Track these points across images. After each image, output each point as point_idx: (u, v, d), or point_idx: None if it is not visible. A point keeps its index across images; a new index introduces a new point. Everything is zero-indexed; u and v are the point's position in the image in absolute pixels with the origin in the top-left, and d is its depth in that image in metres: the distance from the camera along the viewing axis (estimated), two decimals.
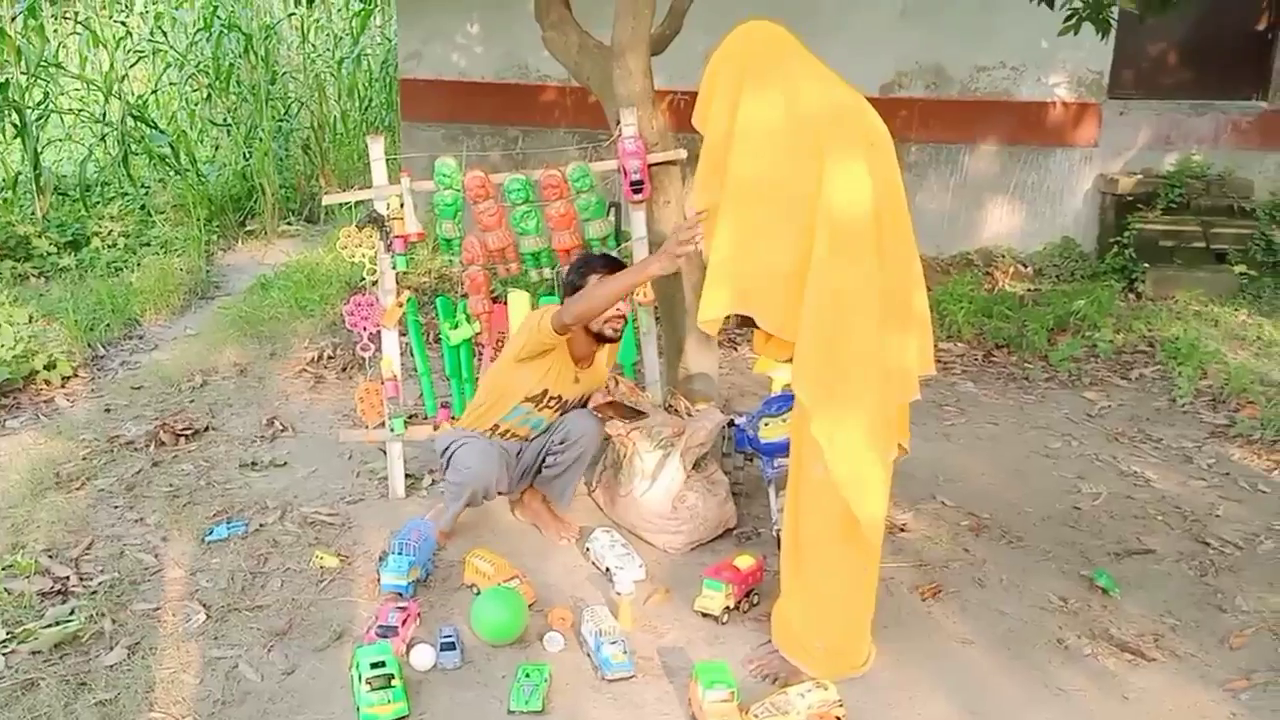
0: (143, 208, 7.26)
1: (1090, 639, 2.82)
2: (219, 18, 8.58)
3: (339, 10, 10.32)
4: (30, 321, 4.99)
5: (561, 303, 3.14)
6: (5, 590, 2.91)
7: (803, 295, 2.31)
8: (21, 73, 7.14)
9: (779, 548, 2.89)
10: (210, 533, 3.29)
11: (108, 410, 4.35)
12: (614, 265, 3.10)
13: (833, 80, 2.43)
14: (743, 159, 2.37)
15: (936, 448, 4.09)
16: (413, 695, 2.47)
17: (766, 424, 3.26)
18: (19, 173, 7.26)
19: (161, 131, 7.93)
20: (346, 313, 3.59)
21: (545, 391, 3.15)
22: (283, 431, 4.14)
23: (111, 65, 8.51)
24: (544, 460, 3.27)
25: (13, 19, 7.27)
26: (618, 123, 3.54)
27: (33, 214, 6.80)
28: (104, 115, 7.97)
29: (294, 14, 9.36)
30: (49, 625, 2.74)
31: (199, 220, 6.99)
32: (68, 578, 3.00)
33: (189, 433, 4.06)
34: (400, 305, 3.56)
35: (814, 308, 2.30)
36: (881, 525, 2.46)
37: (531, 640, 2.74)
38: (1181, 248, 6.22)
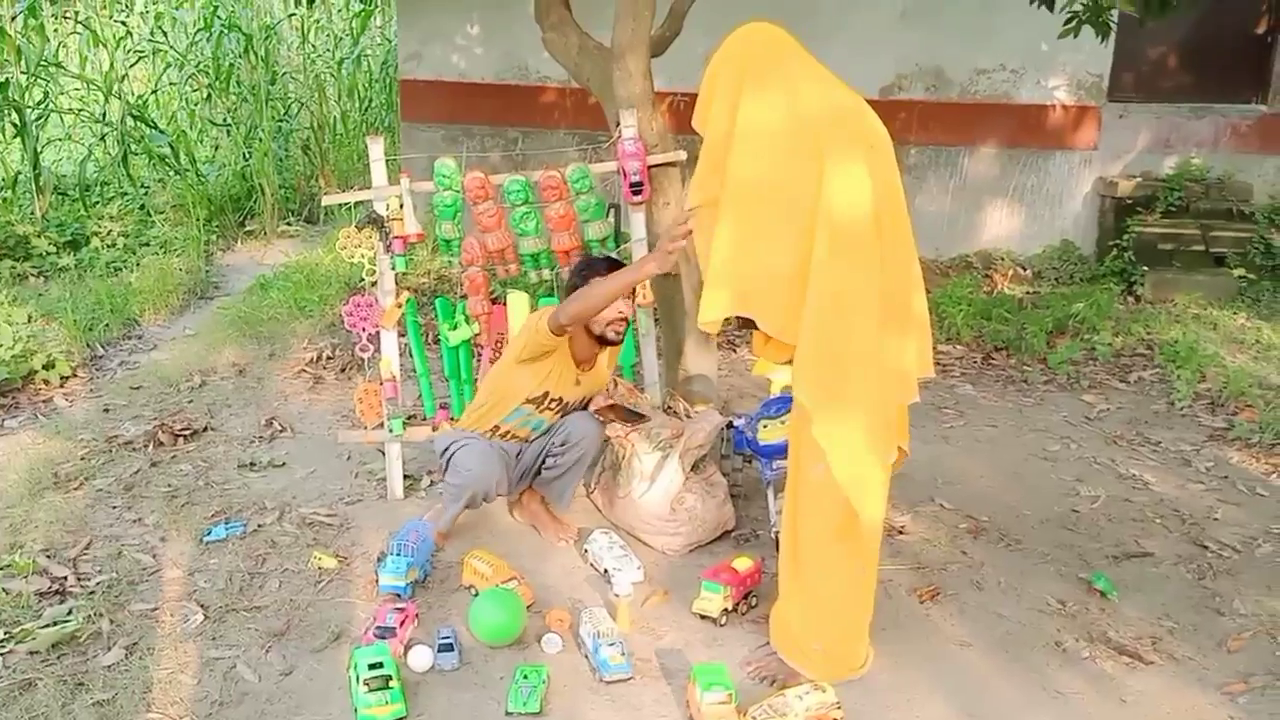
0: (142, 208, 7.27)
1: (1088, 642, 2.82)
2: (219, 18, 8.59)
3: (339, 11, 10.32)
4: (29, 321, 4.98)
5: None
6: (3, 590, 2.91)
7: (803, 297, 2.31)
8: (21, 72, 7.15)
9: (777, 550, 2.89)
10: (208, 533, 3.29)
11: (106, 410, 4.34)
12: (615, 267, 3.09)
13: (832, 82, 2.43)
14: (743, 161, 2.37)
15: (935, 450, 4.10)
16: (410, 696, 2.47)
17: (765, 426, 3.25)
18: (19, 172, 7.26)
19: (161, 131, 7.93)
20: (345, 313, 3.59)
21: (546, 394, 3.15)
22: (281, 432, 4.14)
23: (111, 65, 8.52)
24: (544, 462, 3.26)
25: (13, 18, 7.27)
26: (617, 124, 3.54)
27: (32, 213, 6.80)
28: (104, 115, 7.97)
29: (294, 14, 9.37)
30: (47, 625, 2.74)
31: (198, 220, 6.99)
32: (65, 578, 3.00)
33: (187, 433, 4.06)
34: (399, 306, 3.56)
35: (815, 310, 2.30)
36: (880, 527, 2.46)
37: (529, 641, 2.74)
38: (1181, 251, 6.23)
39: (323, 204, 4.14)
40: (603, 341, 3.14)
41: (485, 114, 6.81)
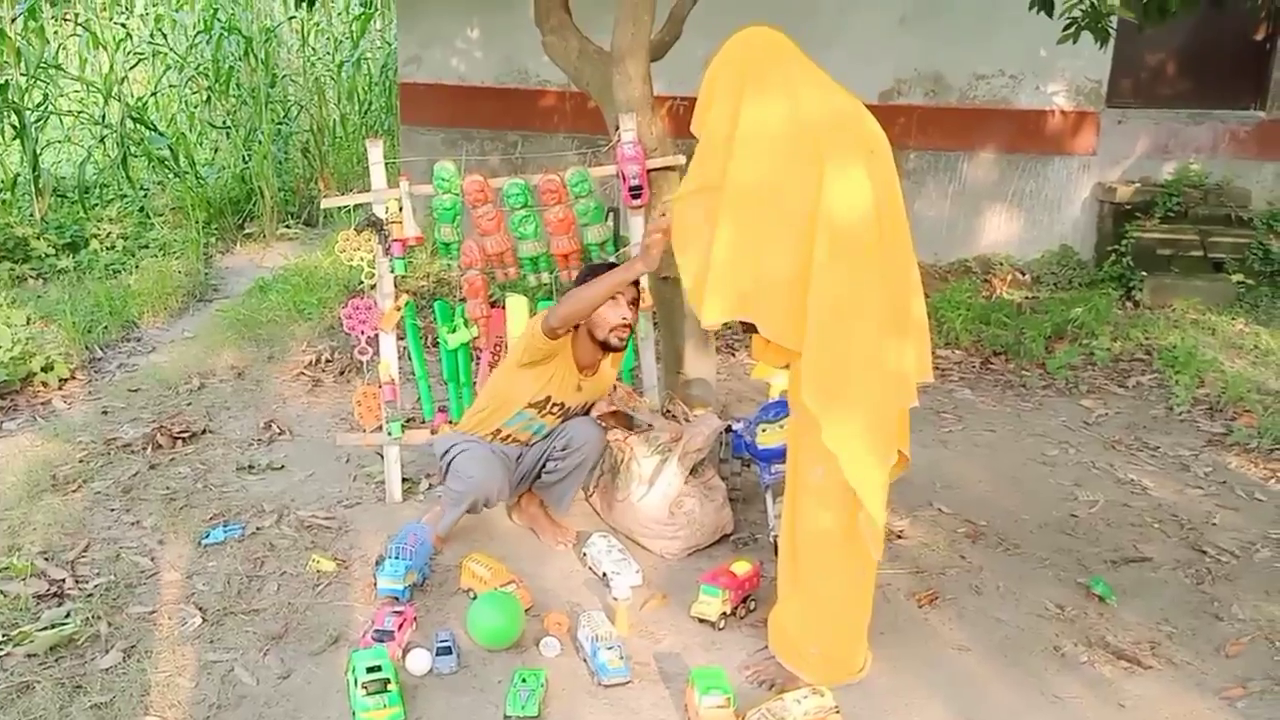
0: (141, 210, 7.27)
1: (1087, 646, 2.82)
2: (219, 20, 8.60)
3: (339, 14, 10.34)
4: (28, 323, 4.98)
5: None
6: (1, 593, 2.91)
7: (802, 302, 2.31)
8: (21, 74, 7.15)
9: (776, 553, 2.89)
10: (207, 536, 3.28)
11: (105, 413, 4.34)
12: None
13: (832, 86, 2.43)
14: (742, 165, 2.37)
15: (934, 454, 4.10)
16: (409, 700, 2.47)
17: (764, 430, 3.26)
18: (18, 174, 7.26)
19: (161, 134, 7.94)
20: (344, 316, 3.59)
21: (548, 398, 3.15)
22: (280, 435, 4.14)
23: (111, 67, 8.52)
24: (544, 466, 3.26)
25: (13, 20, 7.28)
26: (617, 128, 3.55)
27: (31, 215, 6.80)
28: (103, 117, 7.98)
29: (294, 17, 9.39)
30: (44, 628, 2.73)
31: (197, 223, 6.99)
32: (63, 580, 2.99)
33: (186, 435, 4.06)
34: (398, 309, 3.56)
35: (817, 314, 2.29)
36: (883, 532, 2.46)
37: (528, 645, 2.74)
38: (1179, 256, 6.24)
39: (322, 207, 4.15)
40: (606, 347, 3.13)
41: (485, 117, 6.81)
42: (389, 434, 3.55)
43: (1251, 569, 3.28)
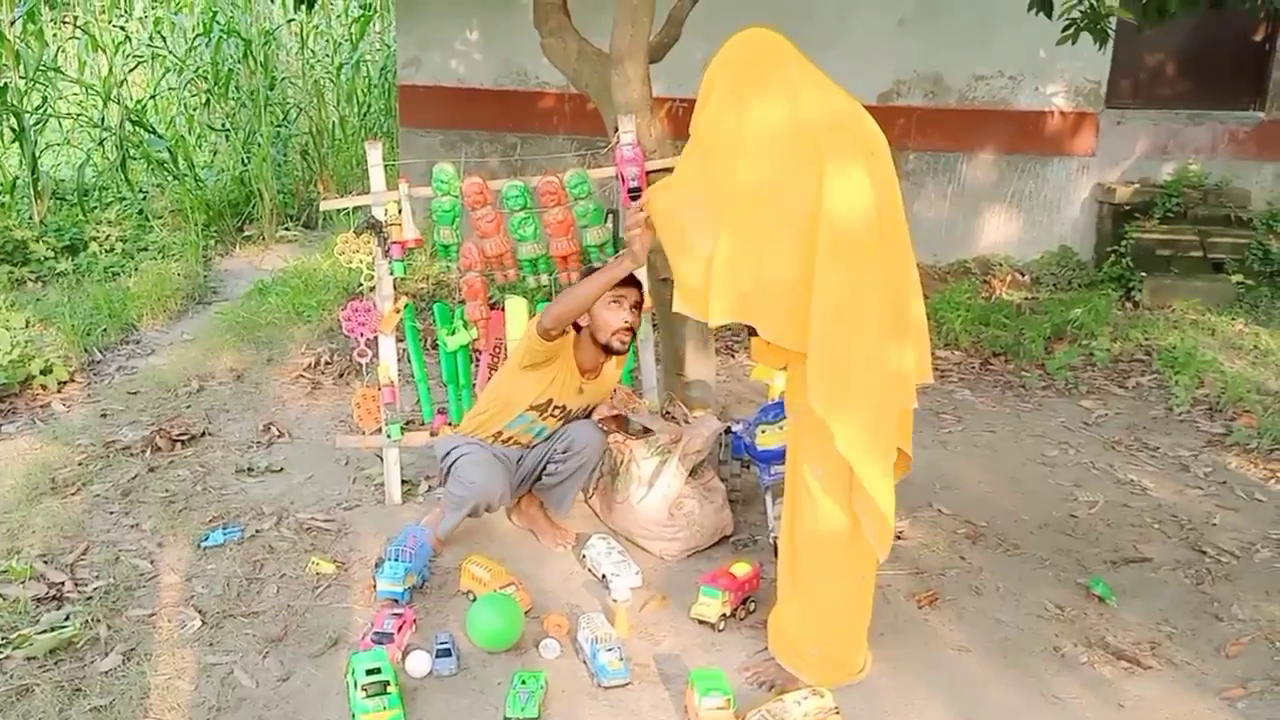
0: (140, 212, 7.27)
1: (1087, 647, 2.82)
2: (218, 23, 8.61)
3: (338, 16, 10.35)
4: (27, 326, 4.98)
5: None
6: (0, 596, 2.91)
7: (802, 303, 2.30)
8: (20, 77, 7.16)
9: (776, 555, 2.89)
10: (206, 538, 3.28)
11: (104, 415, 4.34)
12: None
13: (830, 88, 2.43)
14: (742, 166, 2.37)
15: (933, 455, 4.10)
16: (408, 702, 2.47)
17: (763, 431, 3.25)
18: (17, 177, 7.27)
19: (160, 136, 7.94)
20: (344, 318, 3.59)
21: (550, 401, 3.15)
22: (279, 437, 4.14)
23: (110, 70, 8.53)
24: (544, 468, 3.26)
25: (12, 23, 7.28)
26: (616, 130, 3.55)
27: (30, 218, 6.80)
28: (102, 120, 7.98)
29: (293, 20, 9.39)
30: (44, 631, 2.73)
31: (197, 225, 6.99)
32: (63, 583, 2.99)
33: (185, 438, 4.06)
34: (397, 311, 3.56)
35: (819, 318, 2.28)
36: (892, 532, 2.45)
37: (527, 647, 2.74)
38: (1179, 257, 6.24)
39: (321, 209, 4.15)
40: (608, 350, 3.13)
41: (484, 119, 6.82)
42: (388, 436, 3.55)
43: (1251, 569, 3.28)
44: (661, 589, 3.06)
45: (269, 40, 8.92)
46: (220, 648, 2.72)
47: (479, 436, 3.23)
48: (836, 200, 2.27)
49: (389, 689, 2.37)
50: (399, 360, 3.69)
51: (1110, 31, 4.20)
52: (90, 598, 2.93)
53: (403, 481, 3.61)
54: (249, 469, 3.84)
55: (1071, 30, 4.09)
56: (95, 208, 7.31)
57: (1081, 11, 4.03)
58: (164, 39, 9.18)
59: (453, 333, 3.63)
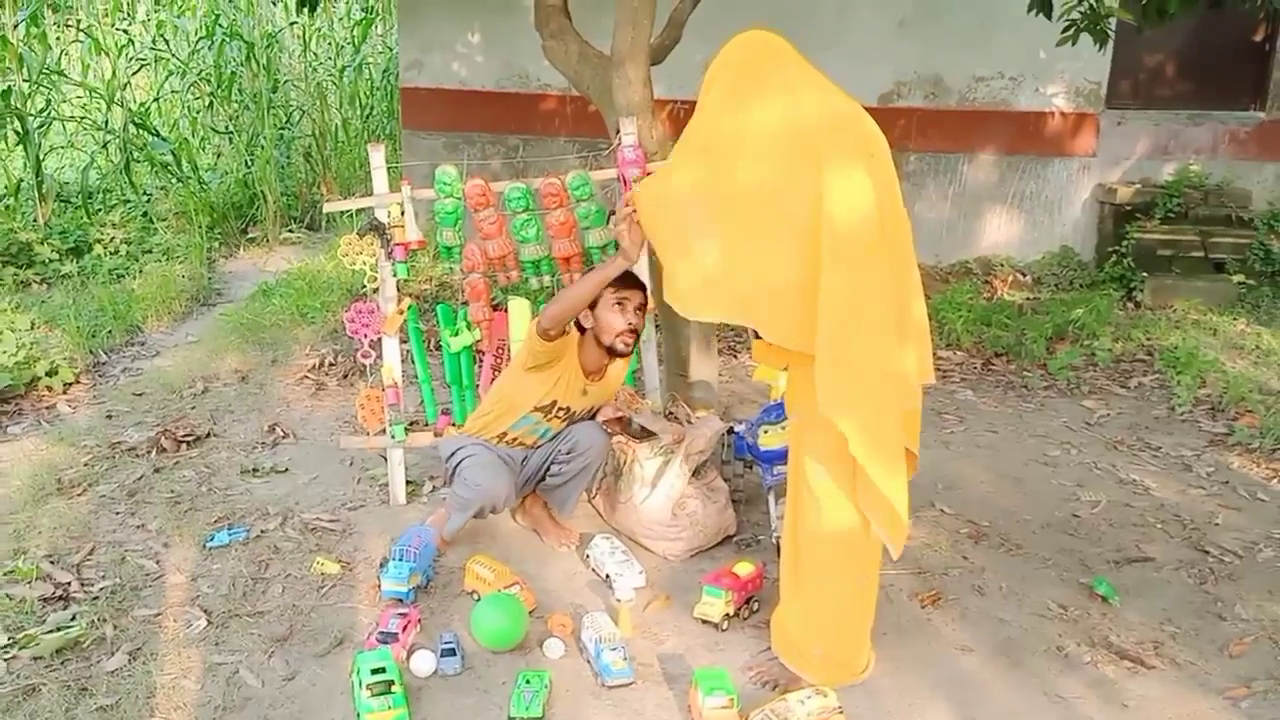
0: (144, 215, 7.29)
1: (1090, 647, 2.82)
2: (221, 26, 8.63)
3: (341, 19, 10.37)
4: (32, 328, 5.00)
5: (576, 319, 3.13)
6: (7, 596, 2.92)
7: (803, 304, 2.31)
8: (24, 80, 7.18)
9: (779, 555, 2.90)
10: (211, 539, 3.29)
11: (109, 416, 4.36)
12: (627, 276, 3.07)
13: (831, 89, 2.44)
14: (742, 168, 2.38)
15: (936, 455, 4.10)
16: (413, 701, 2.48)
17: (766, 431, 3.26)
18: (21, 180, 7.29)
19: (163, 139, 7.96)
20: (347, 320, 3.60)
21: (554, 402, 3.16)
22: (284, 438, 4.15)
23: (114, 73, 8.56)
24: (549, 469, 3.27)
25: (15, 26, 7.30)
26: (617, 131, 3.56)
27: (35, 221, 6.82)
28: (106, 123, 8.00)
29: (296, 23, 9.41)
30: (50, 631, 2.75)
31: (201, 227, 7.01)
32: (69, 583, 3.00)
33: (190, 439, 4.07)
34: (401, 312, 3.57)
35: (825, 321, 2.29)
36: (905, 532, 2.45)
37: (531, 646, 2.75)
38: (1180, 257, 6.25)
39: (324, 211, 4.15)
40: (612, 352, 3.14)
41: (486, 121, 6.83)
42: (392, 437, 3.56)
43: (1254, 569, 3.28)
44: (665, 589, 3.07)
45: (272, 43, 8.94)
46: (225, 647, 2.73)
47: (483, 437, 3.24)
48: (837, 202, 2.28)
49: (394, 688, 2.38)
50: (403, 361, 3.70)
51: (1110, 32, 4.21)
52: (96, 598, 2.94)
53: (407, 482, 3.62)
54: (254, 470, 3.85)
55: (1071, 31, 4.09)
56: (99, 210, 7.32)
57: (1081, 12, 4.04)
58: (167, 42, 9.20)
59: (456, 334, 3.64)
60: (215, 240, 7.19)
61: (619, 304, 3.05)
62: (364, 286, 3.63)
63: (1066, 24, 4.09)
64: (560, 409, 3.18)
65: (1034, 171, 6.65)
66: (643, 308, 3.14)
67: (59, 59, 8.73)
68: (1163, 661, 2.76)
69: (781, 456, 3.10)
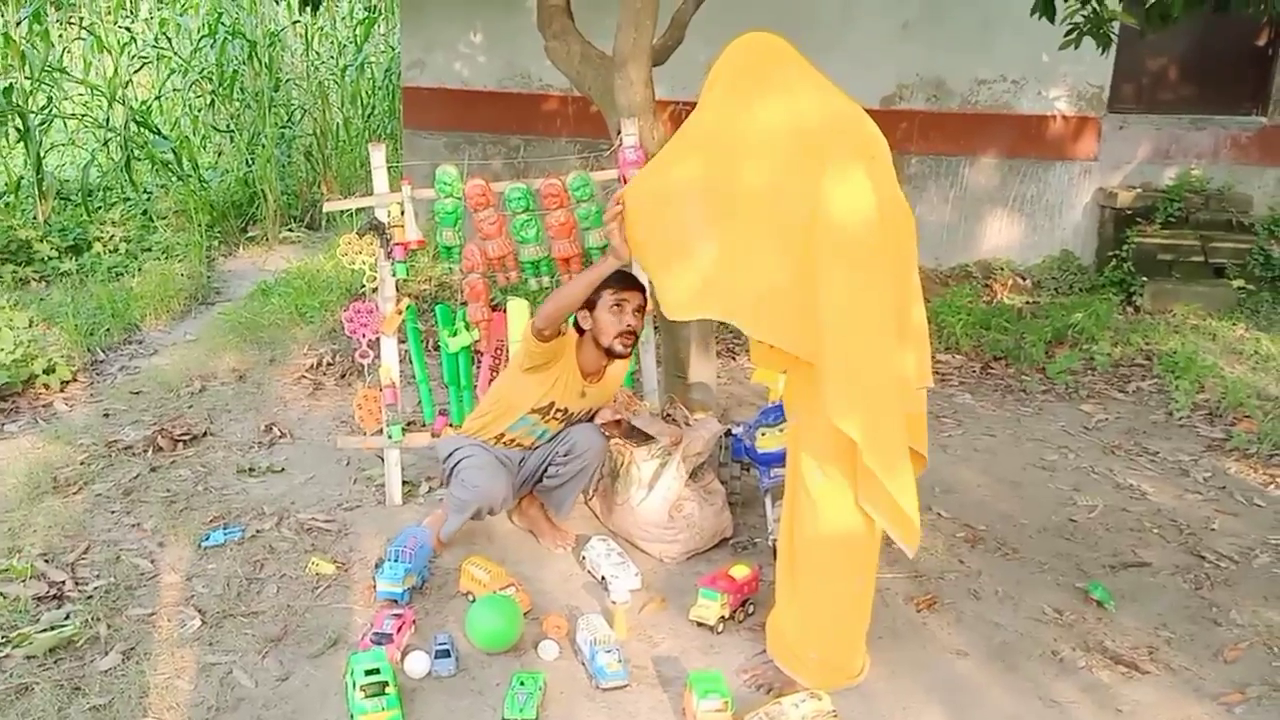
0: (144, 213, 7.29)
1: (1085, 651, 2.82)
2: (223, 24, 8.64)
3: (343, 18, 10.38)
4: (30, 325, 4.99)
5: (575, 320, 3.14)
6: (1, 594, 2.91)
7: (801, 307, 2.31)
8: (25, 77, 7.18)
9: (775, 558, 2.89)
10: (207, 538, 3.29)
11: (106, 415, 4.35)
12: (626, 278, 3.08)
13: (832, 91, 2.44)
14: (742, 169, 2.38)
15: (933, 459, 4.04)
16: (407, 703, 2.47)
17: (763, 434, 3.26)
18: (21, 177, 7.28)
19: (164, 137, 7.96)
20: (346, 319, 3.60)
21: (552, 404, 3.15)
22: (281, 438, 4.15)
23: (115, 71, 8.55)
24: (546, 470, 3.26)
25: (17, 24, 7.31)
26: (619, 132, 3.56)
27: (34, 218, 6.82)
28: (107, 120, 8.00)
29: (298, 21, 9.41)
30: (44, 630, 2.74)
31: (200, 226, 7.01)
32: (63, 582, 3.00)
33: (187, 438, 4.07)
34: (399, 312, 3.57)
35: (829, 324, 2.28)
36: (918, 531, 2.45)
37: (526, 648, 2.75)
38: (1180, 262, 6.24)
39: (324, 210, 4.15)
40: (611, 354, 3.14)
41: (487, 121, 6.83)
42: (389, 437, 3.56)
43: (1250, 574, 3.28)
44: (660, 591, 3.06)
45: (274, 42, 8.94)
46: (220, 647, 2.73)
47: (481, 438, 3.23)
48: (838, 205, 2.28)
49: (388, 689, 2.38)
50: (400, 361, 3.70)
51: (1113, 36, 4.21)
52: (90, 597, 2.94)
53: (403, 482, 3.62)
54: (250, 469, 3.85)
55: (1074, 35, 4.09)
56: (99, 208, 7.32)
57: (1084, 16, 4.04)
58: (169, 40, 9.21)
59: (455, 334, 3.64)
60: (215, 239, 7.18)
61: (617, 305, 3.04)
62: (363, 286, 3.63)
63: (1069, 28, 4.08)
64: (558, 410, 3.18)
65: (1035, 175, 6.64)
66: (641, 309, 3.14)
67: (61, 56, 8.74)
68: (1157, 667, 2.76)
69: (779, 459, 3.10)
